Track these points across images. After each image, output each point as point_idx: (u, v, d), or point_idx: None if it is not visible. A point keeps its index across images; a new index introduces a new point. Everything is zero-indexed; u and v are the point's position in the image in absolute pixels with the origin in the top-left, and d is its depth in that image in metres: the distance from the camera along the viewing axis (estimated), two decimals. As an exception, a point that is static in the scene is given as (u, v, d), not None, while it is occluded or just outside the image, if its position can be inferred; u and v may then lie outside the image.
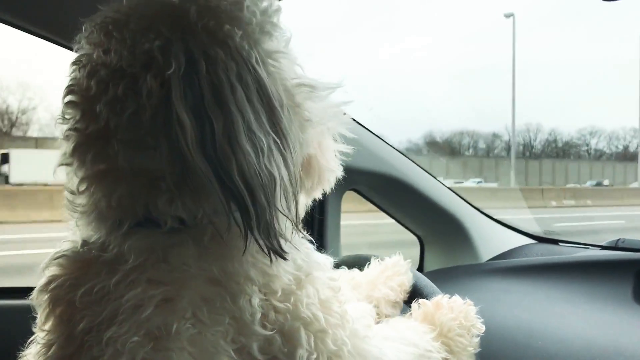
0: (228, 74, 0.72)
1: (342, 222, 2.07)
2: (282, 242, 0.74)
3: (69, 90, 0.80)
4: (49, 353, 0.78)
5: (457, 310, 1.08)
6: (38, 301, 0.82)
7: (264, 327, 0.77)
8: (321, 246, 1.96)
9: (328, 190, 0.97)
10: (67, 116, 0.80)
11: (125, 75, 0.75)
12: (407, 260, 1.29)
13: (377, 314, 1.19)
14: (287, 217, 0.75)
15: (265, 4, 0.82)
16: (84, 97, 0.78)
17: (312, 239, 0.96)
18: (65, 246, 0.83)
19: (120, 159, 0.75)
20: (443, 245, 2.18)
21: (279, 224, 0.74)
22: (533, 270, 1.81)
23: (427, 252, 2.23)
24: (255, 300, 0.76)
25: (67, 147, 0.80)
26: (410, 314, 1.10)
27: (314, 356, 0.79)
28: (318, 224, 1.95)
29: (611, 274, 1.63)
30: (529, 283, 1.75)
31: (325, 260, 0.91)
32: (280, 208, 0.74)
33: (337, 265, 1.38)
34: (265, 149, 0.72)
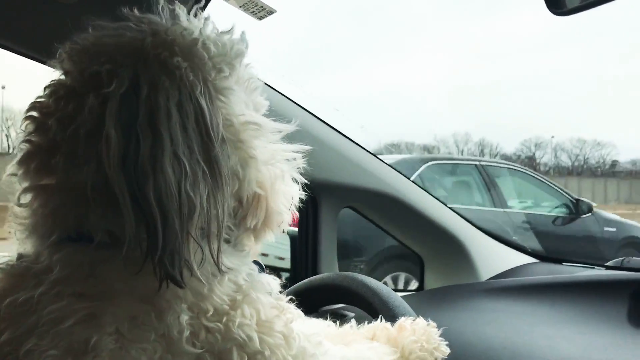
0: (168, 101, 0.75)
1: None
2: (186, 271, 0.74)
3: (32, 106, 0.85)
4: None
5: (419, 333, 1.06)
6: None
7: (194, 345, 0.76)
8: (315, 263, 1.96)
9: (275, 232, 0.96)
10: (24, 129, 0.85)
11: (76, 94, 0.79)
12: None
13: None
14: (200, 245, 0.75)
15: (226, 44, 0.86)
16: (42, 113, 0.83)
17: (259, 261, 0.97)
18: (1, 260, 0.85)
19: (59, 171, 0.78)
20: (443, 264, 2.15)
21: (188, 253, 0.74)
22: (529, 290, 1.76)
23: (427, 270, 2.21)
24: (184, 318, 0.76)
25: (17, 157, 0.84)
26: (375, 334, 1.08)
27: None
28: (312, 240, 1.95)
29: (607, 294, 1.58)
30: (524, 303, 1.71)
31: (272, 280, 0.90)
32: (194, 236, 0.74)
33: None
34: (190, 175, 0.73)
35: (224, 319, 0.78)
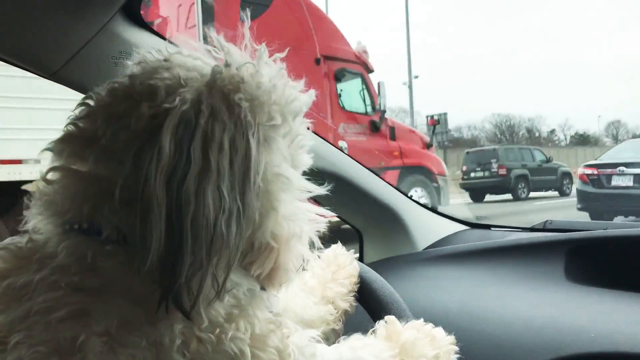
0: (223, 133, 0.76)
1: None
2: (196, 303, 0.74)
3: (90, 95, 0.87)
4: None
5: (426, 334, 1.06)
6: None
7: (184, 355, 0.75)
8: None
9: (276, 288, 0.95)
10: (75, 112, 0.87)
11: (131, 98, 0.81)
12: (350, 251, 1.28)
13: (337, 311, 1.20)
14: (217, 281, 0.75)
15: (287, 97, 0.88)
16: (96, 104, 0.85)
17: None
18: (9, 240, 0.84)
19: (90, 160, 0.81)
20: (381, 237, 2.19)
21: (205, 285, 0.74)
22: (469, 256, 1.85)
23: (366, 244, 2.24)
24: (177, 327, 0.75)
25: (59, 135, 0.86)
26: (374, 330, 1.07)
27: None
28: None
29: (543, 255, 1.69)
30: (466, 268, 1.79)
31: (272, 297, 0.91)
32: (214, 271, 0.74)
33: None
34: (227, 211, 0.74)
35: (217, 330, 0.78)
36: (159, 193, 0.71)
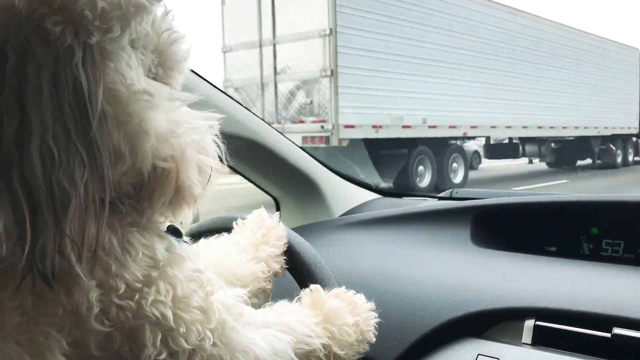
0: (39, 73, 0.66)
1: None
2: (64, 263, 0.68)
3: None
4: None
5: (348, 302, 1.07)
6: None
7: (103, 323, 0.73)
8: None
9: (191, 207, 0.88)
10: None
11: None
12: (275, 214, 1.28)
13: (268, 270, 1.20)
14: (73, 241, 0.68)
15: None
16: None
17: (179, 227, 0.91)
18: None
19: None
20: (298, 204, 2.21)
21: (64, 247, 0.68)
22: (383, 222, 1.91)
23: (282, 212, 2.24)
24: (93, 295, 0.72)
25: None
26: (299, 298, 1.08)
27: (163, 356, 0.77)
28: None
29: (451, 221, 1.79)
30: (380, 233, 1.85)
31: (192, 252, 0.86)
32: (68, 228, 0.67)
33: (207, 231, 1.34)
34: (64, 162, 0.66)
35: (136, 296, 0.75)
36: None
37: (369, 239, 1.84)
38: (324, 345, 0.97)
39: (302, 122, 10.72)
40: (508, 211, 1.77)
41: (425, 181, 11.33)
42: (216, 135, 0.88)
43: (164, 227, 0.88)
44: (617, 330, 1.11)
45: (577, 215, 1.69)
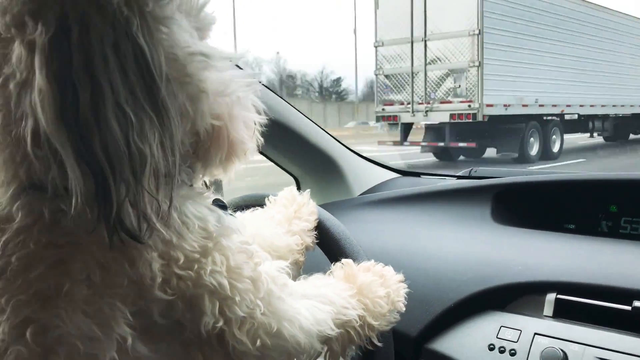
0: (102, 43, 0.68)
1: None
2: (144, 223, 0.72)
3: None
4: None
5: (378, 275, 1.11)
6: None
7: (165, 292, 0.77)
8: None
9: (242, 162, 0.92)
10: None
11: (0, 40, 0.71)
12: (306, 191, 1.32)
13: (302, 243, 1.25)
14: (154, 197, 0.72)
15: None
16: None
17: (224, 202, 0.95)
18: None
19: None
20: (318, 183, 2.24)
21: (145, 206, 0.71)
22: (403, 200, 1.95)
23: (303, 190, 2.28)
24: (156, 266, 0.76)
25: None
26: (331, 272, 1.12)
27: (220, 323, 0.81)
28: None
29: (471, 199, 1.82)
30: (401, 211, 1.89)
31: (239, 224, 0.90)
32: (147, 188, 0.71)
33: (239, 208, 1.38)
34: (136, 124, 0.69)
35: (195, 266, 0.79)
36: (57, 134, 0.67)
37: (391, 217, 1.88)
38: (359, 317, 1.02)
39: (449, 102, 13.74)
40: (528, 189, 1.80)
41: (534, 150, 14.06)
42: (256, 92, 0.91)
43: (210, 201, 0.92)
44: (637, 303, 1.15)
45: (596, 193, 1.72)
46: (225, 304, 0.82)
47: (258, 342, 0.84)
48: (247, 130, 0.89)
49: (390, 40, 14.55)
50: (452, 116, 13.41)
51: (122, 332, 0.74)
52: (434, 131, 14.13)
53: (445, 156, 14.18)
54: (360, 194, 2.21)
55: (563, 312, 1.25)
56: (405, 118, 14.35)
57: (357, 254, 1.23)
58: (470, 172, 2.24)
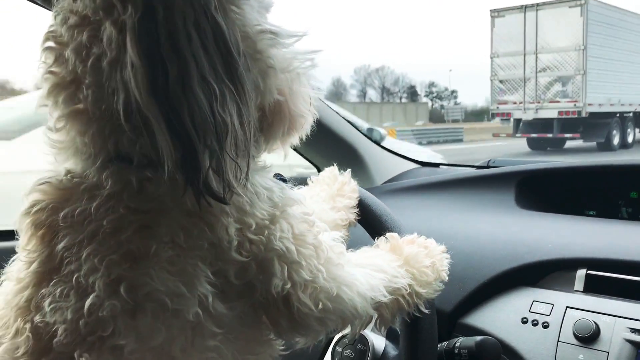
0: (185, 21, 0.74)
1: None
2: (227, 187, 0.78)
3: (47, 36, 0.82)
4: (30, 269, 0.81)
5: (423, 246, 1.16)
6: (20, 225, 0.84)
7: (240, 254, 0.83)
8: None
9: (302, 135, 0.98)
10: (44, 60, 0.82)
11: (90, 22, 0.77)
12: (347, 170, 1.37)
13: (346, 219, 1.31)
14: (236, 163, 0.78)
15: None
16: (58, 42, 0.81)
17: (284, 177, 1.03)
18: (47, 175, 0.84)
19: (88, 102, 0.79)
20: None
21: (227, 171, 0.78)
22: (428, 188, 2.01)
23: (325, 179, 2.33)
24: (232, 230, 0.82)
25: (43, 89, 0.82)
26: (377, 245, 1.17)
27: (288, 285, 0.87)
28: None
29: (494, 186, 1.88)
30: (426, 198, 1.95)
31: (300, 196, 0.96)
32: (230, 154, 0.77)
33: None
34: (219, 96, 0.75)
35: (266, 232, 0.86)
36: (150, 107, 0.73)
37: (416, 204, 1.94)
38: (408, 285, 1.07)
39: (557, 102, 18.58)
40: (550, 176, 1.86)
41: (616, 140, 18.08)
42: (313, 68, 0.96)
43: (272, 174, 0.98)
44: (667, 276, 1.21)
45: (617, 179, 1.78)
46: (292, 268, 0.88)
47: (320, 305, 0.90)
48: (305, 105, 0.95)
49: (505, 52, 19.42)
50: (559, 112, 18.02)
51: (204, 290, 0.80)
52: (541, 125, 18.31)
53: (537, 145, 18.44)
54: (382, 183, 2.26)
55: (593, 287, 1.31)
56: (518, 114, 18.95)
57: (398, 228, 1.28)
58: (488, 162, 2.30)
